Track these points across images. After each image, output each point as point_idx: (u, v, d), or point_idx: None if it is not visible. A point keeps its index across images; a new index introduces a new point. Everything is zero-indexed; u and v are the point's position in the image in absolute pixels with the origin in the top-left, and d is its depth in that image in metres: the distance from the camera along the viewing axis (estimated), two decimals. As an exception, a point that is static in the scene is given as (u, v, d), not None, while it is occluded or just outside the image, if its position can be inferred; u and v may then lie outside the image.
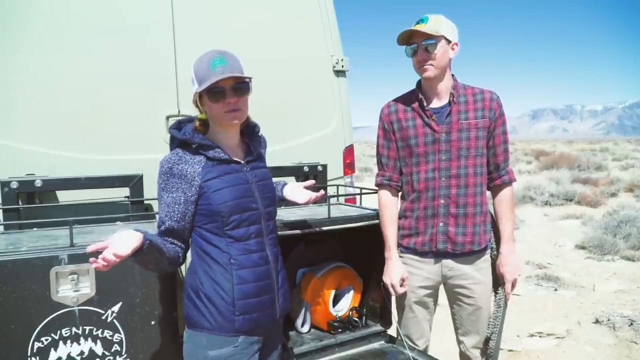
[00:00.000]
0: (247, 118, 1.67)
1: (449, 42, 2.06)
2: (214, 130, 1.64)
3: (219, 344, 1.58)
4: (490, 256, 2.24)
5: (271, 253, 1.68)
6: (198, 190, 1.55)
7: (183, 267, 1.68)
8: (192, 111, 1.69)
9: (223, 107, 1.56)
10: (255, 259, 1.62)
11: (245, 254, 1.60)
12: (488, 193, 2.21)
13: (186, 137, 1.59)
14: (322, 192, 1.96)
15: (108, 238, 1.34)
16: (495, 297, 2.26)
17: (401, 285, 2.13)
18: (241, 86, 1.57)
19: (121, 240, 1.34)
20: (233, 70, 1.55)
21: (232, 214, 1.57)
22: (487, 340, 2.24)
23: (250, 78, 1.59)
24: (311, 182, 2.05)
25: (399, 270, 2.14)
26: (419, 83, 2.19)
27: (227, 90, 1.54)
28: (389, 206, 2.21)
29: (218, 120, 1.61)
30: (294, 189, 1.95)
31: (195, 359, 1.60)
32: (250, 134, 1.74)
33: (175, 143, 1.63)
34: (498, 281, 2.23)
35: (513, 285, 2.18)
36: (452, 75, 2.16)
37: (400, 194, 2.26)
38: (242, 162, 1.66)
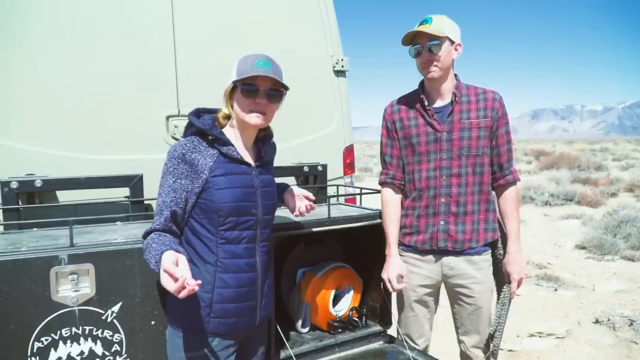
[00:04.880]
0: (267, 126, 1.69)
1: (452, 42, 2.06)
2: (233, 127, 1.65)
3: (193, 345, 1.58)
4: (496, 255, 2.25)
5: (261, 261, 1.67)
6: (204, 183, 1.55)
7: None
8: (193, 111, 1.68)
9: (250, 104, 1.57)
10: (242, 265, 1.61)
11: (233, 258, 1.59)
12: (493, 192, 2.21)
13: (205, 127, 1.59)
14: (313, 205, 1.87)
15: (178, 270, 1.33)
16: (500, 295, 2.27)
17: (399, 282, 2.13)
18: (275, 93, 1.59)
19: (185, 265, 1.37)
20: (274, 74, 1.56)
21: (230, 215, 1.57)
22: (490, 337, 2.25)
23: (287, 89, 1.60)
24: (312, 197, 1.90)
25: (397, 266, 2.15)
26: (421, 83, 2.20)
27: (260, 91, 1.56)
28: (391, 204, 2.22)
29: (240, 116, 1.61)
30: (289, 198, 1.87)
31: (173, 359, 1.63)
32: (264, 140, 1.75)
33: (191, 130, 1.62)
34: (503, 279, 2.24)
35: (519, 284, 2.19)
36: (455, 75, 2.16)
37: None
38: (252, 165, 1.66)
